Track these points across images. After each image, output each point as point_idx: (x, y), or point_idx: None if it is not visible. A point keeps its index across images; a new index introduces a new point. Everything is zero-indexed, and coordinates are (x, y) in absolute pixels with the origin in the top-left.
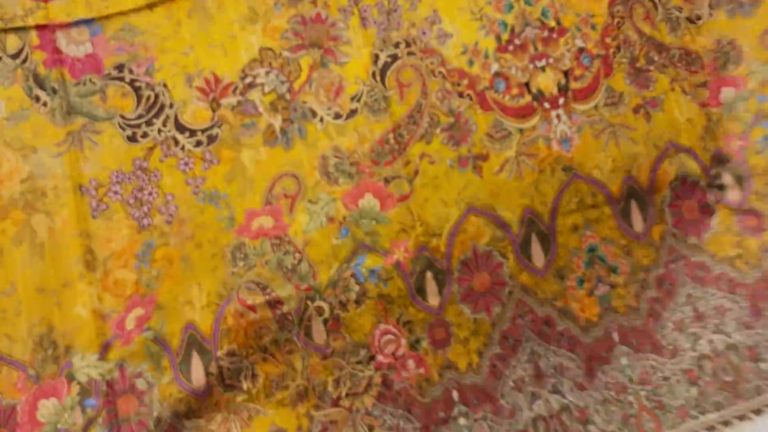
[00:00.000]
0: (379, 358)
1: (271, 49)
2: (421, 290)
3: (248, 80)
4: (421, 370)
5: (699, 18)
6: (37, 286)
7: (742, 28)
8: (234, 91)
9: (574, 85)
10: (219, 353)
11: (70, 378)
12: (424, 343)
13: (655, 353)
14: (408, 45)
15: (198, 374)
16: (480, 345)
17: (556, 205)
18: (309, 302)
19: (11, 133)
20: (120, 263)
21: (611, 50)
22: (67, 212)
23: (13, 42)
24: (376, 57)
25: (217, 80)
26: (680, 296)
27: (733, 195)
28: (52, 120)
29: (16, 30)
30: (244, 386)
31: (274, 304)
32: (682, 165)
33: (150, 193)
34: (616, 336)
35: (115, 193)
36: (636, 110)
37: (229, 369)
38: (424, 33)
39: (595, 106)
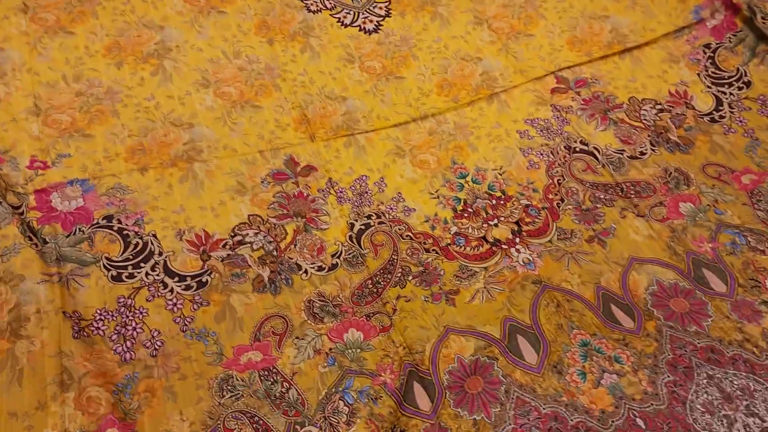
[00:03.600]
0: None
1: (258, 215)
2: (412, 403)
3: (238, 238)
4: None
5: (643, 154)
6: (10, 410)
7: (684, 161)
8: (224, 246)
9: (526, 227)
10: None
11: None
12: None
13: None
14: (378, 216)
15: None
16: None
17: (535, 309)
18: (298, 427)
19: (3, 267)
20: (97, 382)
21: (555, 202)
22: (48, 334)
23: (12, 199)
24: (352, 225)
25: (208, 236)
26: (701, 377)
27: (720, 289)
28: (42, 258)
29: (16, 192)
30: None
31: (262, 431)
32: (652, 272)
33: (134, 329)
34: (641, 422)
35: (98, 328)
36: (589, 240)
37: None
38: (391, 208)
39: (550, 241)
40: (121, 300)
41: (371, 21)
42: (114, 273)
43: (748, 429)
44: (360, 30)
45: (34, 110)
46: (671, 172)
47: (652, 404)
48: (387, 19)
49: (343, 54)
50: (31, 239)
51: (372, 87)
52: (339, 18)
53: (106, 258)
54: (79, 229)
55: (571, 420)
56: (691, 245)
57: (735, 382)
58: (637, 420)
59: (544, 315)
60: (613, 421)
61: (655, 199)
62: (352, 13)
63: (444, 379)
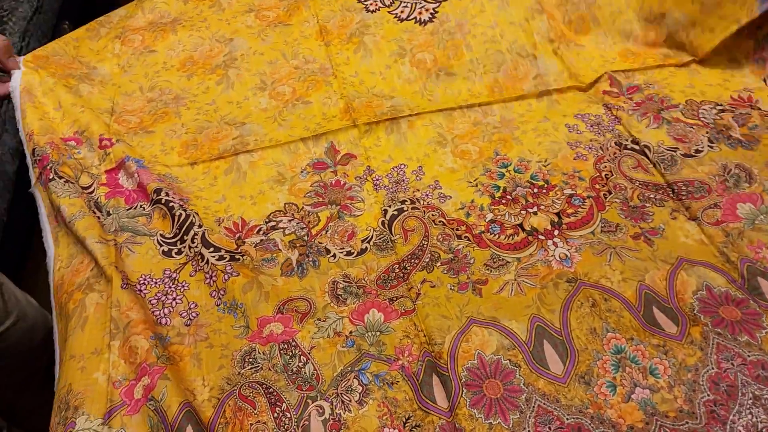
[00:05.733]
0: None
1: (294, 204)
2: (429, 396)
3: (272, 224)
4: None
5: (699, 151)
6: (72, 353)
7: (746, 157)
8: (258, 232)
9: (567, 220)
10: None
11: None
12: None
13: None
14: (412, 203)
15: None
16: None
17: (567, 310)
18: (309, 401)
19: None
20: (137, 330)
21: (602, 193)
22: (108, 288)
23: (85, 179)
24: (385, 211)
25: (244, 223)
26: (745, 398)
27: None
28: (103, 227)
29: (90, 173)
30: None
31: (274, 401)
32: (702, 276)
33: (174, 299)
34: None
35: (140, 290)
36: (635, 237)
37: None
38: (426, 195)
39: (592, 232)
40: (167, 272)
41: (427, 10)
42: (165, 249)
43: None
44: (415, 22)
45: (110, 110)
46: (730, 169)
47: (687, 422)
48: (443, 3)
49: (395, 48)
50: (94, 213)
51: (421, 86)
52: (396, 14)
53: (161, 235)
54: (141, 206)
55: None
56: (747, 251)
57: None
58: None
59: (575, 318)
60: None
61: (710, 200)
62: (408, 6)
63: (462, 375)
